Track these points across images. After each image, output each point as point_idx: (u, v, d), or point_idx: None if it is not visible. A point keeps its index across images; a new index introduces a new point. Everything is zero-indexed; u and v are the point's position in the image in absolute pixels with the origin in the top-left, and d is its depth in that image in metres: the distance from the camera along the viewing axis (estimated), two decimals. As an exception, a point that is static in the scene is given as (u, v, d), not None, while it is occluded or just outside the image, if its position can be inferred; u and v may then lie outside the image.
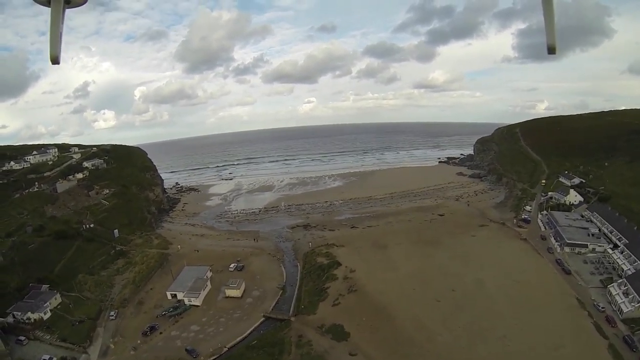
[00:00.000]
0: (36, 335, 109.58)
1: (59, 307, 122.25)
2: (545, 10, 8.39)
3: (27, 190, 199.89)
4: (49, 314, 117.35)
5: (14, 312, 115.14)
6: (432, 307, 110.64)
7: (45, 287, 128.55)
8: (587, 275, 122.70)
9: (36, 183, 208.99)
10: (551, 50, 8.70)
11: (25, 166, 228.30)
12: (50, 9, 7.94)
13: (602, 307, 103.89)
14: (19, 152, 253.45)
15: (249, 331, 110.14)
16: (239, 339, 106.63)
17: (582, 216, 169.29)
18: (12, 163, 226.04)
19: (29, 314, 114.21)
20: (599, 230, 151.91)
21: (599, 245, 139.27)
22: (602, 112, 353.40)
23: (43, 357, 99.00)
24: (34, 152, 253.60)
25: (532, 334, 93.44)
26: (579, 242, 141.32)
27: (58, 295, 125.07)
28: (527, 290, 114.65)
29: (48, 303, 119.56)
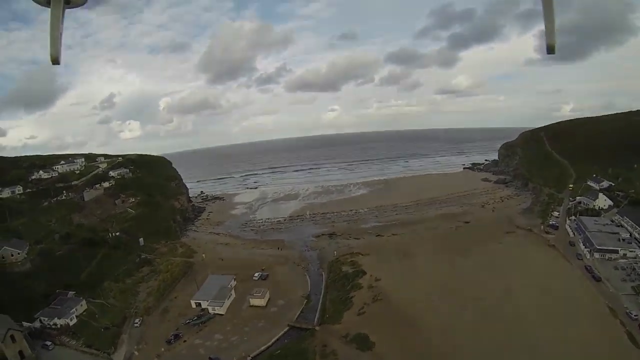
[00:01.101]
0: (62, 340, 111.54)
1: (84, 313, 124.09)
2: (544, 9, 7.93)
3: (55, 199, 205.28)
4: (75, 320, 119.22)
5: (41, 318, 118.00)
6: (459, 316, 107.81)
7: (71, 293, 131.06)
8: (618, 282, 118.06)
9: (64, 192, 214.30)
10: (550, 50, 8.30)
11: (53, 175, 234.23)
12: (50, 9, 7.66)
13: (635, 315, 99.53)
14: (47, 161, 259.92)
15: (273, 340, 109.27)
16: (262, 348, 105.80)
17: (612, 221, 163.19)
18: (41, 172, 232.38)
19: (56, 320, 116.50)
20: (630, 235, 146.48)
21: (631, 251, 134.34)
22: (630, 112, 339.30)
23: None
24: (62, 162, 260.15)
25: (563, 345, 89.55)
26: (609, 248, 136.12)
27: (84, 302, 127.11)
28: (556, 298, 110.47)
29: (74, 309, 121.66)
